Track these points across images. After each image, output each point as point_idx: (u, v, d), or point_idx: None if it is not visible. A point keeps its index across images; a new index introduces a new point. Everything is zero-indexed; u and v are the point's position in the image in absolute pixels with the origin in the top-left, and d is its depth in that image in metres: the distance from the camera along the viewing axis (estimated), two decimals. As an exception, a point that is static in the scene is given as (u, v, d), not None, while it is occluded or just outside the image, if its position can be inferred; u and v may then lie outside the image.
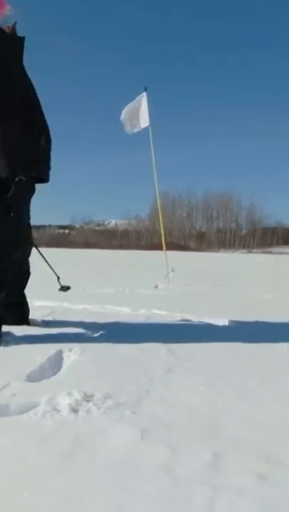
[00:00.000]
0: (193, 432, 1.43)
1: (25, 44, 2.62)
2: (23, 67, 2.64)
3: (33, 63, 2.82)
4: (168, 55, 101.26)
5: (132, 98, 7.94)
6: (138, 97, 7.89)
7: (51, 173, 2.71)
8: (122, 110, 7.97)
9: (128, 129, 7.91)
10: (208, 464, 1.22)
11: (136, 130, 7.91)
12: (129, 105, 7.91)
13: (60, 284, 3.31)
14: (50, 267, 3.26)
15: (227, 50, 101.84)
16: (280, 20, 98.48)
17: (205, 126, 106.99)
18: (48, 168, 2.71)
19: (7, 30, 2.57)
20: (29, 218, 2.80)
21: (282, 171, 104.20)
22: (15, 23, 2.61)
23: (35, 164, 2.59)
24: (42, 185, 2.76)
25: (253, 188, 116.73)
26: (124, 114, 7.90)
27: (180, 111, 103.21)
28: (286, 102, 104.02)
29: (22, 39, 2.63)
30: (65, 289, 3.38)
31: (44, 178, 2.72)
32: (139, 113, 7.81)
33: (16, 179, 2.43)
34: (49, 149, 2.69)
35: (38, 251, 3.18)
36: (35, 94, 2.67)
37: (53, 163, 2.70)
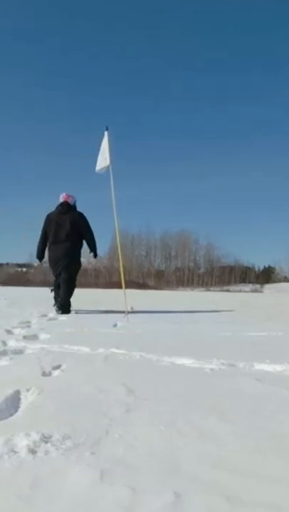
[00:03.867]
0: (154, 471, 1.42)
1: None
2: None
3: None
4: (127, 93, 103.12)
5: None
6: (104, 138, 7.85)
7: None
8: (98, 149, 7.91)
9: (96, 168, 7.82)
10: (170, 504, 1.22)
11: (99, 169, 7.80)
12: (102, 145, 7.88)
13: None
14: None
15: (188, 91, 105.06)
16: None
17: (162, 166, 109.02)
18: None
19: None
20: None
21: (238, 210, 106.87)
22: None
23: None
24: None
25: (211, 227, 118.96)
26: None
27: (138, 149, 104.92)
28: (242, 143, 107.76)
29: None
30: None
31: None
32: (102, 152, 7.76)
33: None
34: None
35: None
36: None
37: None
